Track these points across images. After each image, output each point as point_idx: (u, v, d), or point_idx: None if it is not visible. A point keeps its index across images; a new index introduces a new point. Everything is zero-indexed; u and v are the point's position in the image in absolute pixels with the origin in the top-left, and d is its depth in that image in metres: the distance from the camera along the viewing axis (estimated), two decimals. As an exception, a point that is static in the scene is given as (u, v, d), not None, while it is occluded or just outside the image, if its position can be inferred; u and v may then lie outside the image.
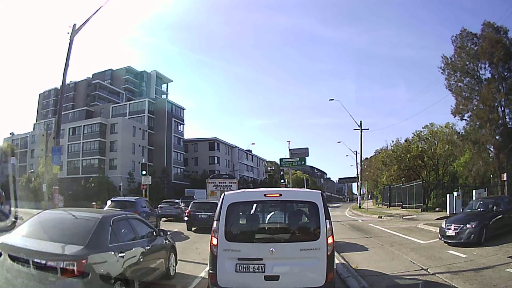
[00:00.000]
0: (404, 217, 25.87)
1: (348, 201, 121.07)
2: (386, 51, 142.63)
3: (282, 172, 42.13)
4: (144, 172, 29.85)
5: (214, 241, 5.81)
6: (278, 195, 6.21)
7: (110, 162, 61.41)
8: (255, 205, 6.75)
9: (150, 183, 31.49)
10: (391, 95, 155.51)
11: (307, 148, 44.05)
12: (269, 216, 7.03)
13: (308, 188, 70.01)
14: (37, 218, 6.39)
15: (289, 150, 43.66)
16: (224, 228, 5.83)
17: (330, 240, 5.75)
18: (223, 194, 6.22)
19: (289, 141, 43.74)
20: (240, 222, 6.52)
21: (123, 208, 16.51)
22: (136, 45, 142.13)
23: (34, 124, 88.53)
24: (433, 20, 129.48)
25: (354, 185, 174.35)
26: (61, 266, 5.03)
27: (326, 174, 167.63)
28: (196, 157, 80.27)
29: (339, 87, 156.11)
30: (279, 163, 42.86)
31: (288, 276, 5.70)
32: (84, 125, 64.89)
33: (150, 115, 70.28)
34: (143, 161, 67.42)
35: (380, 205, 44.97)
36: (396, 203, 38.48)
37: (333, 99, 43.69)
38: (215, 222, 5.90)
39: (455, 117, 38.34)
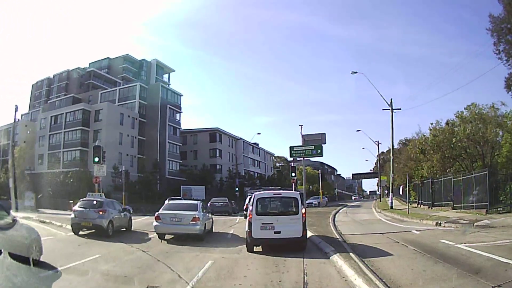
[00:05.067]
0: (476, 224, 17.26)
1: (362, 199, 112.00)
2: (393, 48, 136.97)
3: (292, 163, 33.65)
4: (96, 159, 21.59)
5: (250, 215, 11.89)
6: (280, 194, 13.60)
7: (93, 154, 53.40)
8: (269, 198, 12.96)
9: (105, 174, 23.46)
10: (395, 92, 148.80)
11: (324, 134, 35.20)
12: (275, 204, 12.90)
13: (320, 185, 62.32)
14: None
15: (302, 136, 35.00)
16: (255, 209, 11.91)
17: (303, 215, 11.87)
18: (254, 194, 13.23)
19: (301, 125, 35.11)
20: (262, 206, 12.37)
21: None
22: (143, 43, 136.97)
23: (22, 115, 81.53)
24: (438, 18, 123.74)
25: (365, 181, 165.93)
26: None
27: (337, 171, 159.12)
28: (196, 150, 72.18)
29: (347, 84, 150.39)
30: (289, 152, 34.31)
31: (285, 231, 11.58)
32: (66, 113, 57.08)
33: (142, 101, 62.13)
34: (136, 154, 59.84)
35: (417, 205, 36.27)
36: (443, 202, 29.81)
37: (356, 72, 34.95)
38: (251, 206, 12.22)
39: (508, 91, 29.92)
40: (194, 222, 14.55)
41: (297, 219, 11.63)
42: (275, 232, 11.47)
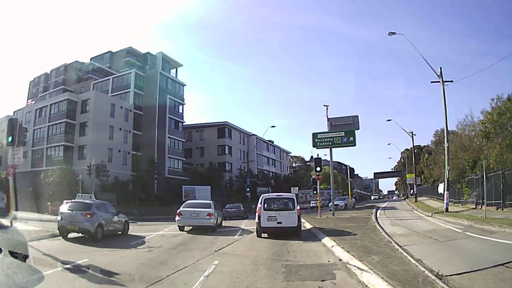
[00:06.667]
0: None
1: (380, 199, 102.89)
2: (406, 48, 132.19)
3: (317, 154, 25.37)
4: (10, 138, 13.87)
5: (259, 211, 15.20)
6: (281, 195, 17.16)
7: (79, 150, 45.96)
8: (273, 198, 16.57)
9: (21, 162, 15.81)
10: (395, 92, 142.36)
11: (357, 117, 27.23)
12: (277, 202, 16.15)
13: (349, 184, 53.62)
14: None
15: (328, 119, 26.89)
16: (263, 206, 15.28)
17: (298, 210, 15.36)
18: (262, 195, 16.27)
19: (327, 106, 26.86)
20: (268, 204, 15.74)
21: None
22: (153, 45, 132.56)
23: (14, 112, 75.32)
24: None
25: (381, 181, 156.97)
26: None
27: (354, 170, 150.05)
28: (202, 147, 64.25)
29: (361, 84, 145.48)
30: (312, 141, 26.07)
31: (285, 222, 14.93)
32: (51, 104, 49.94)
33: (138, 91, 54.51)
34: (130, 150, 52.34)
35: (475, 205, 27.59)
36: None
37: (394, 33, 26.36)
38: (260, 204, 15.43)
39: None
40: (209, 217, 18.12)
41: (293, 213, 15.28)
42: (277, 223, 15.03)
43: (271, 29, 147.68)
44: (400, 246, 11.47)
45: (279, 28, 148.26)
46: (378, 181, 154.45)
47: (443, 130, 58.65)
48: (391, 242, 12.11)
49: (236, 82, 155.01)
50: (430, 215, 26.30)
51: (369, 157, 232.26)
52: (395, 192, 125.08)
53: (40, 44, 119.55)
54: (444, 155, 38.87)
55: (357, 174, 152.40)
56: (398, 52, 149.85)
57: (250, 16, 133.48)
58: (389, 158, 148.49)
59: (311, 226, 18.29)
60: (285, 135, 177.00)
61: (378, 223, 19.74)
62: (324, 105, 26.65)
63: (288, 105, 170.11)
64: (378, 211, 33.24)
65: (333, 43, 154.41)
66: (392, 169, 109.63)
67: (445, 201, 27.03)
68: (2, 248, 5.98)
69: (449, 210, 26.30)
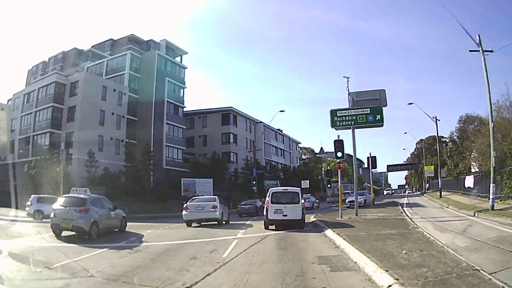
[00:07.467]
0: None
1: (392, 194, 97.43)
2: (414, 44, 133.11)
3: (336, 138, 20.39)
4: None
5: (267, 204, 16.70)
6: (287, 190, 17.89)
7: (67, 138, 41.45)
8: (280, 192, 17.61)
9: None
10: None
11: (383, 91, 22.21)
12: (283, 196, 17.19)
13: (371, 177, 48.49)
14: None
15: (349, 93, 21.89)
16: (270, 200, 16.71)
17: (302, 203, 16.76)
18: (270, 190, 17.69)
19: (347, 77, 21.91)
20: (275, 197, 16.94)
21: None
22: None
23: (8, 100, 71.37)
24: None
25: (390, 175, 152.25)
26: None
27: (364, 164, 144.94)
28: (205, 135, 59.45)
29: (369, 80, 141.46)
30: (330, 120, 21.11)
31: (290, 214, 16.44)
32: (38, 88, 45.57)
33: (134, 74, 49.84)
34: (123, 138, 47.85)
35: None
36: None
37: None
38: (267, 198, 16.87)
39: None
40: (213, 209, 19.33)
41: (298, 206, 16.59)
42: (283, 215, 16.39)
43: (272, 26, 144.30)
44: (491, 275, 6.62)
45: (281, 25, 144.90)
46: (387, 175, 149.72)
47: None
48: (478, 270, 7.17)
49: (241, 77, 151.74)
50: (472, 214, 21.35)
51: (376, 150, 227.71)
52: (406, 186, 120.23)
53: (41, 33, 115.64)
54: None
55: (366, 168, 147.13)
56: (401, 48, 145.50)
57: (254, 12, 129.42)
58: (403, 149, 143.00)
59: (332, 233, 13.46)
60: (292, 127, 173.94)
61: (421, 228, 14.84)
62: (344, 76, 21.71)
63: (298, 99, 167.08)
64: (406, 209, 28.33)
65: (335, 39, 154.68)
66: (404, 161, 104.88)
67: (490, 197, 21.92)
68: (2, 250, 6.59)
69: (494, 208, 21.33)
